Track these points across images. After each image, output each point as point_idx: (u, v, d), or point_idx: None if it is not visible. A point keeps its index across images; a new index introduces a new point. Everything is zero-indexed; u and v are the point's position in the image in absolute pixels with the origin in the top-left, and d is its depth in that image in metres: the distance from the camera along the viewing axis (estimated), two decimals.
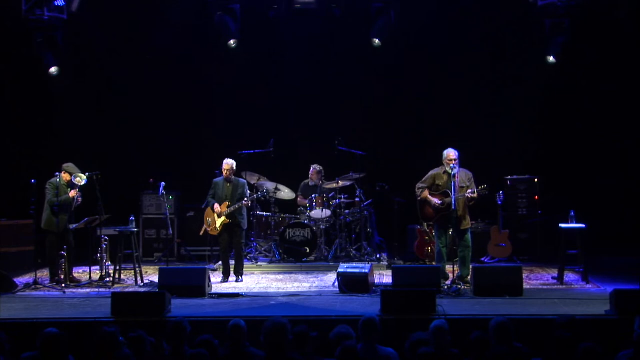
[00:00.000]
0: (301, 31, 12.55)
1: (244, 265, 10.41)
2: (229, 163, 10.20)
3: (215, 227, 10.22)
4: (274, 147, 11.63)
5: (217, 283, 9.83)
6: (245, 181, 10.50)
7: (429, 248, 10.89)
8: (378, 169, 12.18)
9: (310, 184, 11.88)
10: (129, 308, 7.67)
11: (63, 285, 9.57)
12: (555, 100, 12.47)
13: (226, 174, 10.19)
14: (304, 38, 12.63)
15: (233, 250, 10.37)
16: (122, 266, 10.25)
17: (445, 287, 8.95)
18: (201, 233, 10.62)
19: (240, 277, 10.14)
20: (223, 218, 10.13)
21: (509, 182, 11.97)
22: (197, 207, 11.47)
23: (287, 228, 11.30)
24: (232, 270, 10.24)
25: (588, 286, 9.42)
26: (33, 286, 9.57)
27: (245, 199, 10.14)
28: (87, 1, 11.53)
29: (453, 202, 9.10)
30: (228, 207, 10.08)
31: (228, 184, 10.23)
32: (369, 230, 11.54)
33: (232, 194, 10.16)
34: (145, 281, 10.02)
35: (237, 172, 10.59)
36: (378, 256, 11.33)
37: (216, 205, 10.17)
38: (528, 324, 7.07)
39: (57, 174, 9.97)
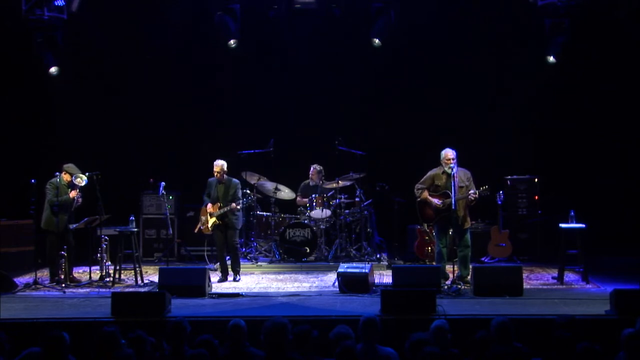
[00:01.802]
0: (301, 31, 12.55)
1: (243, 265, 10.40)
2: (218, 164, 10.15)
3: (207, 227, 10.23)
4: (274, 147, 11.62)
5: (216, 283, 9.82)
6: (238, 182, 10.35)
7: (429, 248, 10.88)
8: (378, 169, 12.17)
9: (310, 184, 11.87)
10: (129, 308, 7.68)
11: (63, 285, 9.58)
12: (555, 100, 12.47)
13: (216, 175, 10.16)
14: (304, 38, 12.63)
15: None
16: (122, 266, 10.24)
17: (445, 287, 8.94)
18: (195, 230, 10.58)
19: (237, 276, 10.13)
20: (214, 218, 10.13)
21: (509, 182, 11.96)
22: (197, 207, 11.39)
23: (287, 228, 11.29)
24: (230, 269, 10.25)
25: (588, 286, 9.42)
26: (33, 286, 9.57)
27: (234, 203, 10.02)
28: (87, 1, 11.53)
29: (453, 203, 9.09)
30: (219, 208, 10.07)
31: (220, 185, 10.20)
32: (369, 230, 11.54)
33: (223, 195, 10.13)
34: (145, 281, 10.02)
35: (237, 172, 10.55)
36: (378, 256, 11.33)
37: (209, 205, 10.17)
38: (528, 324, 7.06)
39: (57, 174, 9.98)
